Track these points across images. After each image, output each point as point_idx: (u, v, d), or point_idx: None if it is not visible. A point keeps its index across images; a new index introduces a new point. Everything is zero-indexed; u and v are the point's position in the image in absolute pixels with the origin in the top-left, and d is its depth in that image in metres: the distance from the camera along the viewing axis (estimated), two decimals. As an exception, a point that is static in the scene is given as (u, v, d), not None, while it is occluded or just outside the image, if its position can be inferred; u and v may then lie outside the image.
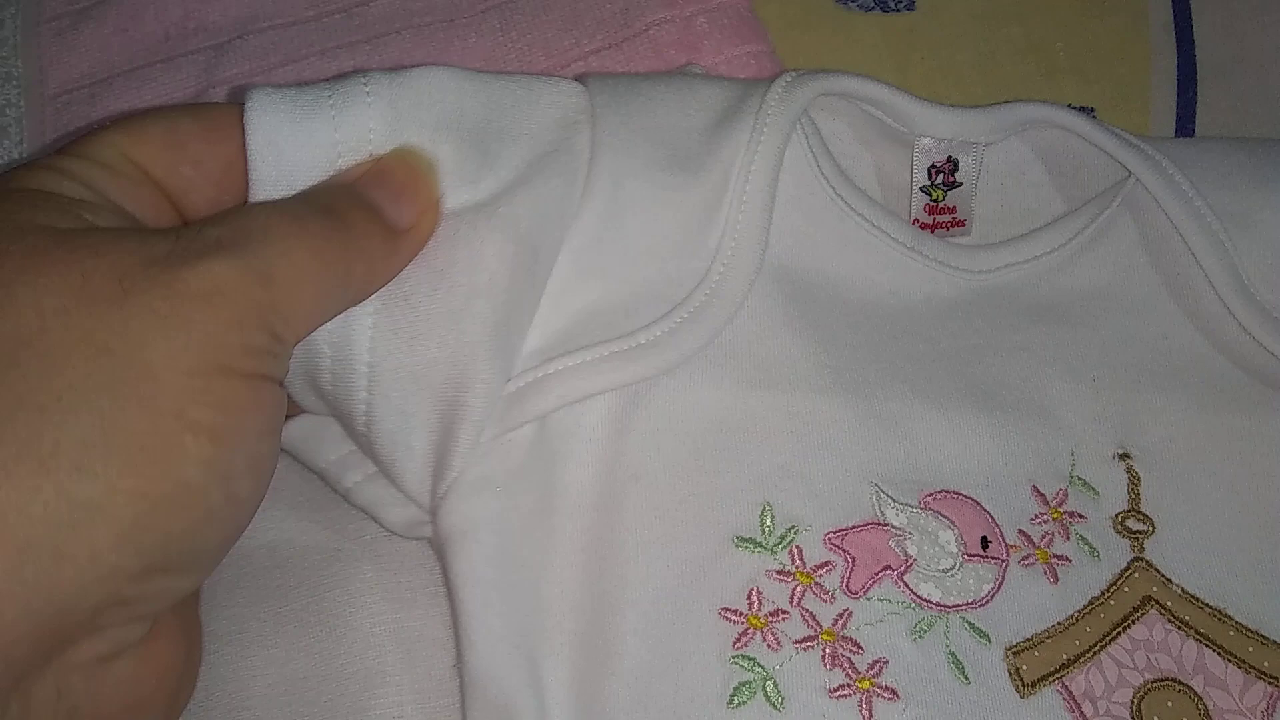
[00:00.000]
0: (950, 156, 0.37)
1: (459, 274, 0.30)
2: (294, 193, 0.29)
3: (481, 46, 0.39)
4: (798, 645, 0.31)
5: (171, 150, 0.28)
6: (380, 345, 0.30)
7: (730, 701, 0.30)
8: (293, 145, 0.29)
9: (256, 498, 0.26)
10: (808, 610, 0.31)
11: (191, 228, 0.26)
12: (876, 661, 0.31)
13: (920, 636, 0.31)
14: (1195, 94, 0.41)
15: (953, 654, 0.31)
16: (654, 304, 0.33)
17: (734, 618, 0.31)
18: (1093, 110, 0.40)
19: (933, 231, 0.38)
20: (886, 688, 0.30)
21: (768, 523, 0.32)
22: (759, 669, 0.30)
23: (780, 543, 0.32)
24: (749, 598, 0.31)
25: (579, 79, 0.35)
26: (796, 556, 0.32)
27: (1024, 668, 0.31)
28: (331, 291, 0.28)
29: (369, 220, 0.29)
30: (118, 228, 0.26)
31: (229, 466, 0.25)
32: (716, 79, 0.37)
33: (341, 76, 0.31)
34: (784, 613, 0.31)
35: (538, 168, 0.32)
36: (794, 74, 0.35)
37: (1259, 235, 0.36)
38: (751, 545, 0.32)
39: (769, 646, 0.30)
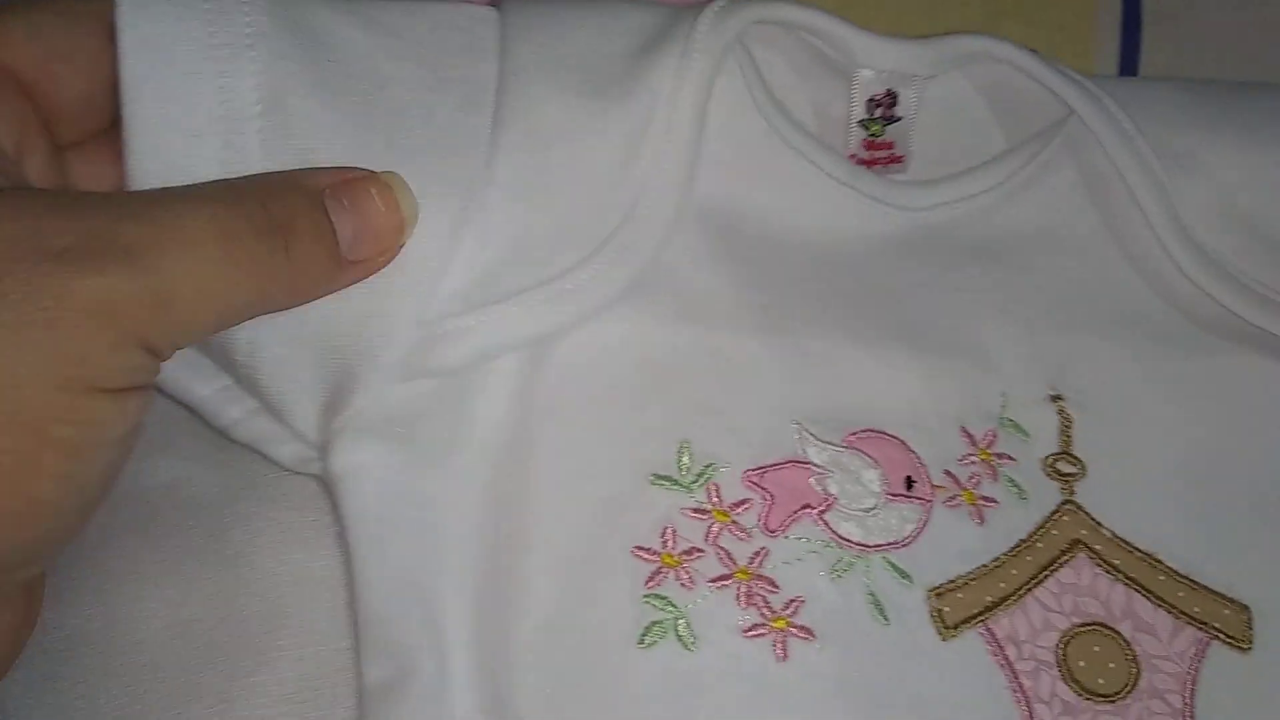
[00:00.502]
0: (890, 89, 0.36)
1: None
2: (169, 90, 0.27)
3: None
4: (712, 584, 0.30)
5: (35, 44, 0.26)
6: None
7: (641, 641, 0.29)
8: (168, 42, 0.27)
9: (110, 487, 0.25)
10: (723, 549, 0.30)
11: (104, 221, 0.24)
12: (793, 601, 0.30)
13: (839, 576, 0.30)
14: (1139, 37, 0.40)
15: (872, 594, 0.30)
16: (578, 241, 0.31)
17: (647, 556, 0.30)
18: (1035, 53, 0.38)
19: (870, 167, 0.37)
20: (802, 627, 0.29)
21: (685, 460, 0.31)
22: (671, 608, 0.29)
23: (697, 480, 0.31)
24: (663, 536, 0.30)
25: (495, 3, 0.33)
26: (714, 494, 0.30)
27: (946, 610, 0.30)
28: (238, 313, 0.26)
29: (317, 242, 0.27)
30: (14, 192, 0.24)
31: (85, 479, 0.24)
32: (645, 4, 0.35)
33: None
34: (699, 551, 0.30)
35: (428, 102, 0.30)
36: (722, 3, 0.34)
37: (1200, 177, 0.35)
38: (668, 483, 0.30)
39: (682, 585, 0.29)
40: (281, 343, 0.29)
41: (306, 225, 0.26)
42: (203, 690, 0.30)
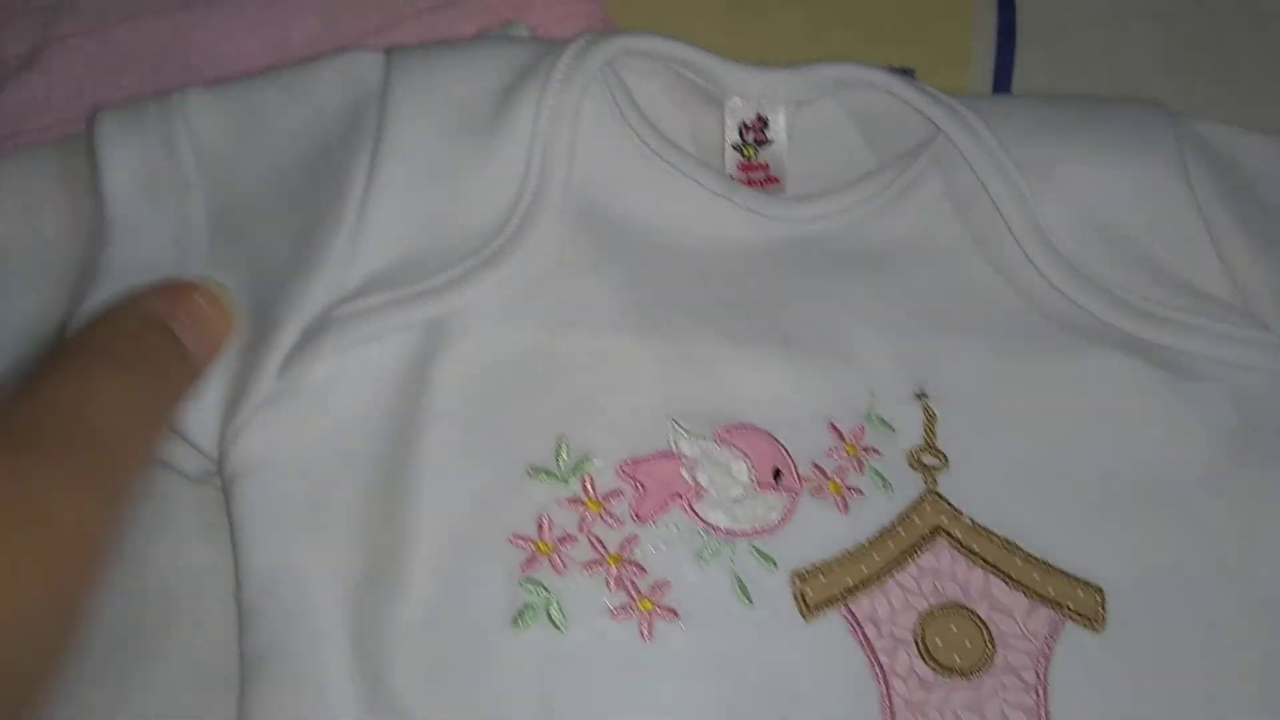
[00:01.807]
0: (760, 115, 0.39)
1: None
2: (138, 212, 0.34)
3: (318, 4, 0.40)
4: (583, 569, 0.31)
5: None
6: None
7: (515, 623, 0.30)
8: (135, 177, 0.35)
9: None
10: (595, 536, 0.32)
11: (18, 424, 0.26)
12: (659, 584, 0.31)
13: (705, 561, 0.32)
14: (1013, 56, 0.43)
15: (737, 577, 0.32)
16: (452, 255, 0.34)
17: (523, 543, 0.31)
18: (913, 72, 0.41)
19: (750, 187, 0.39)
20: (668, 608, 0.31)
21: (562, 454, 0.33)
22: (544, 591, 0.31)
23: (573, 472, 0.32)
24: (539, 524, 0.32)
25: (388, 50, 0.37)
26: (588, 485, 0.32)
27: (809, 592, 0.32)
28: (151, 441, 0.29)
29: (178, 357, 0.30)
30: None
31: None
32: (522, 41, 0.38)
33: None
34: (572, 538, 0.32)
35: (325, 147, 0.35)
36: (592, 35, 0.36)
37: (1059, 186, 0.37)
38: (544, 475, 0.32)
39: (555, 570, 0.31)
40: None
41: (168, 348, 0.30)
42: (102, 680, 0.32)
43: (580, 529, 0.32)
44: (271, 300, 0.33)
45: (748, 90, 0.38)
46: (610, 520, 0.32)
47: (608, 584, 0.31)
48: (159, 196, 0.34)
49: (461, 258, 0.34)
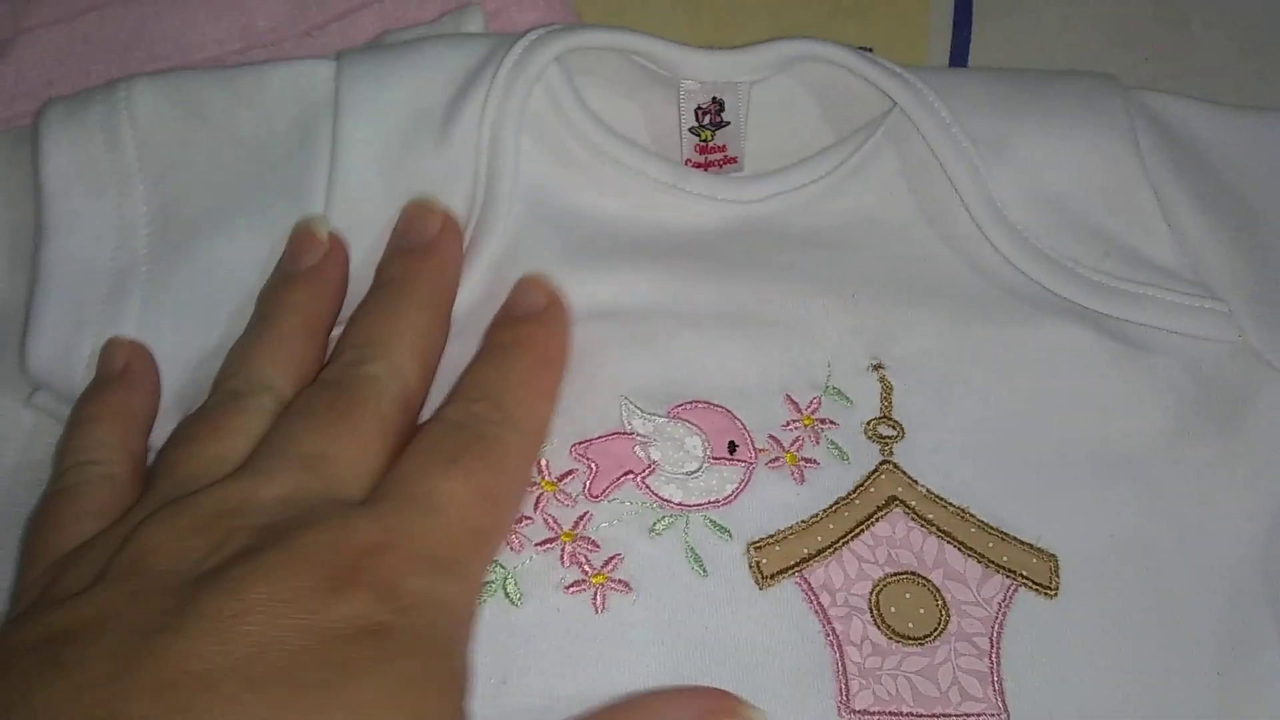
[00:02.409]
0: (715, 97, 0.39)
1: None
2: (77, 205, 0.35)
3: (282, -8, 0.41)
4: (538, 547, 0.32)
5: None
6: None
7: None
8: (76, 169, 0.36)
9: None
10: (550, 515, 0.32)
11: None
12: (612, 558, 0.32)
13: (657, 534, 0.32)
14: (970, 31, 0.43)
15: (691, 549, 0.32)
16: None
17: (480, 525, 0.32)
18: (870, 49, 0.41)
19: (706, 169, 0.39)
20: (620, 581, 0.31)
21: None
22: (500, 569, 0.31)
23: None
24: None
25: (339, 57, 0.37)
26: (543, 467, 0.33)
27: (764, 561, 0.32)
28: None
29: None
30: None
31: None
32: (471, 40, 0.38)
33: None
34: (527, 518, 0.32)
35: (278, 156, 0.36)
36: (539, 32, 0.37)
37: (1012, 160, 0.38)
38: None
39: (511, 549, 0.32)
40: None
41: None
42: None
43: (535, 509, 0.32)
44: (226, 311, 0.34)
45: (702, 73, 0.38)
46: (564, 499, 0.32)
47: (561, 560, 0.32)
48: (100, 188, 0.35)
49: None
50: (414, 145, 0.36)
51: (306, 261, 0.34)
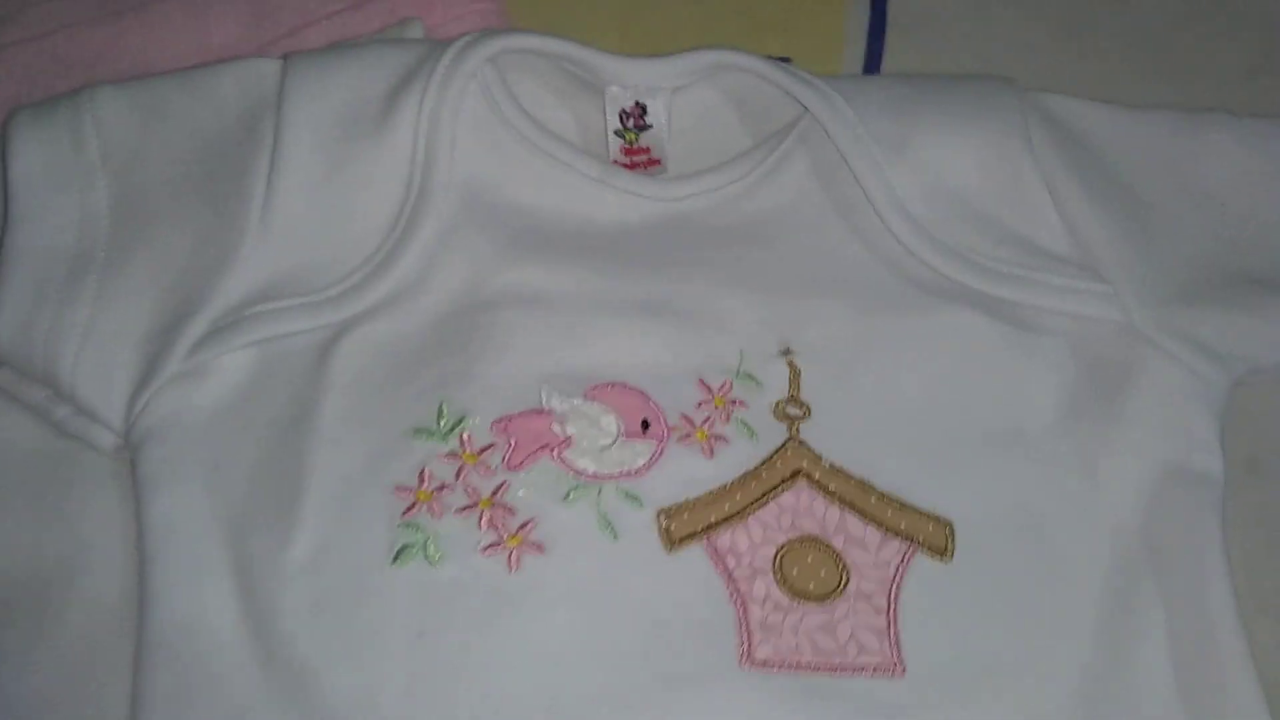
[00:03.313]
0: (638, 101, 0.42)
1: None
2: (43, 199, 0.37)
3: (238, 10, 0.44)
4: (458, 513, 0.34)
5: None
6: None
7: (394, 560, 0.33)
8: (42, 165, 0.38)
9: None
10: (470, 484, 0.34)
11: None
12: (527, 522, 0.34)
13: (571, 501, 0.34)
14: (883, 43, 0.46)
15: (603, 515, 0.34)
16: (349, 258, 0.37)
17: (404, 493, 0.34)
18: (789, 60, 0.44)
19: (632, 170, 0.42)
20: (534, 543, 0.34)
21: (443, 416, 0.35)
22: (420, 532, 0.33)
23: (451, 431, 0.35)
24: (420, 477, 0.34)
25: (285, 56, 0.40)
26: (466, 441, 0.35)
27: (672, 527, 0.35)
28: None
29: None
30: None
31: None
32: (411, 43, 0.41)
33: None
34: (449, 487, 0.34)
35: (226, 152, 0.38)
36: (472, 36, 0.40)
37: (912, 158, 0.40)
38: (426, 434, 0.35)
39: (432, 514, 0.34)
40: (96, 374, 0.35)
41: None
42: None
43: (457, 478, 0.34)
44: (178, 292, 0.36)
45: (626, 79, 0.41)
46: (484, 470, 0.35)
47: (479, 524, 0.34)
48: (64, 183, 0.37)
49: (359, 260, 0.37)
50: (353, 131, 0.38)
51: None
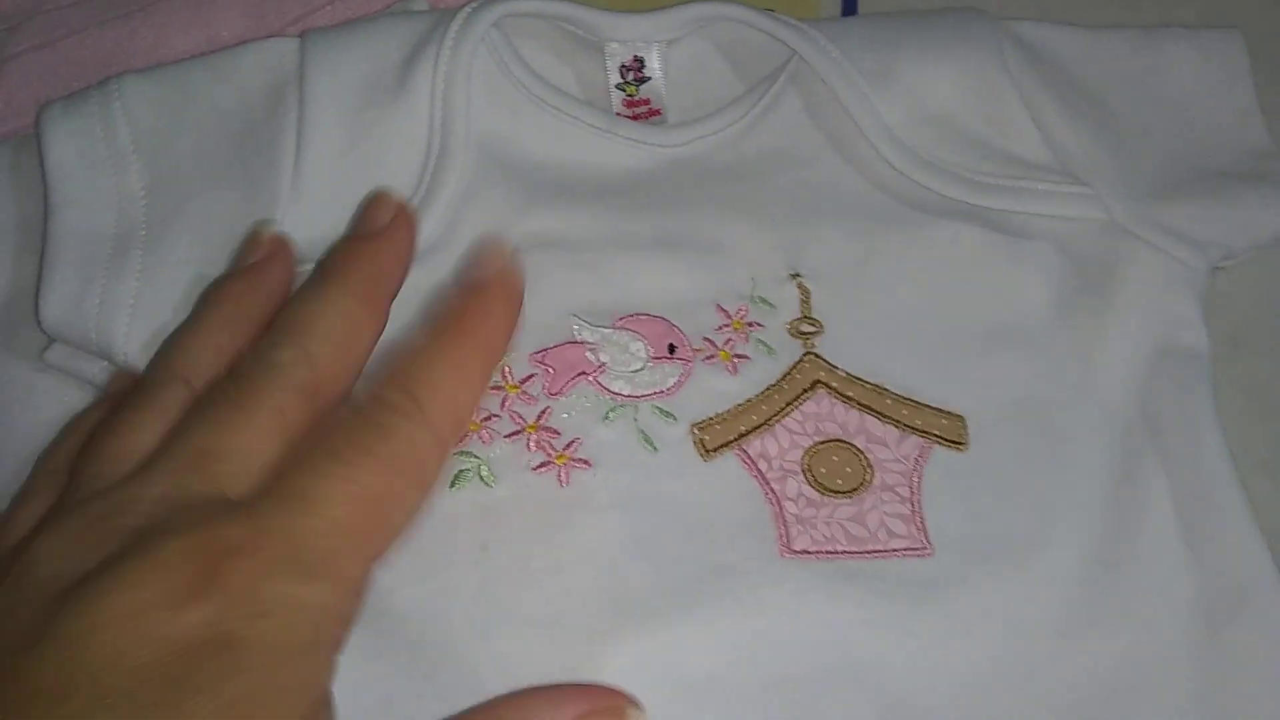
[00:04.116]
0: (636, 55, 0.44)
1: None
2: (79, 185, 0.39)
3: (243, 3, 0.46)
4: (507, 438, 0.36)
5: None
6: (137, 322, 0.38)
7: (452, 485, 0.35)
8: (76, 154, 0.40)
9: None
10: (515, 412, 0.37)
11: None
12: (572, 441, 0.36)
13: (611, 420, 0.37)
14: (859, -12, 0.49)
15: (641, 431, 0.37)
16: None
17: (455, 426, 0.36)
18: (772, 10, 0.46)
19: (635, 121, 0.44)
20: (581, 459, 0.36)
21: None
22: (474, 458, 0.36)
23: None
24: None
25: (302, 34, 0.42)
26: (506, 373, 0.37)
27: (706, 438, 0.37)
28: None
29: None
30: None
31: None
32: (419, 14, 0.44)
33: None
34: (496, 416, 0.37)
35: (254, 126, 0.40)
36: (477, 3, 0.42)
37: (896, 87, 0.43)
38: None
39: (482, 441, 0.36)
40: (151, 327, 0.37)
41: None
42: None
43: (502, 408, 0.37)
44: (219, 263, 0.38)
45: (622, 35, 0.44)
46: (526, 399, 0.37)
47: (528, 447, 0.36)
48: (99, 169, 0.40)
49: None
50: (372, 99, 0.41)
51: (246, 261, 0.35)
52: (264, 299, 0.34)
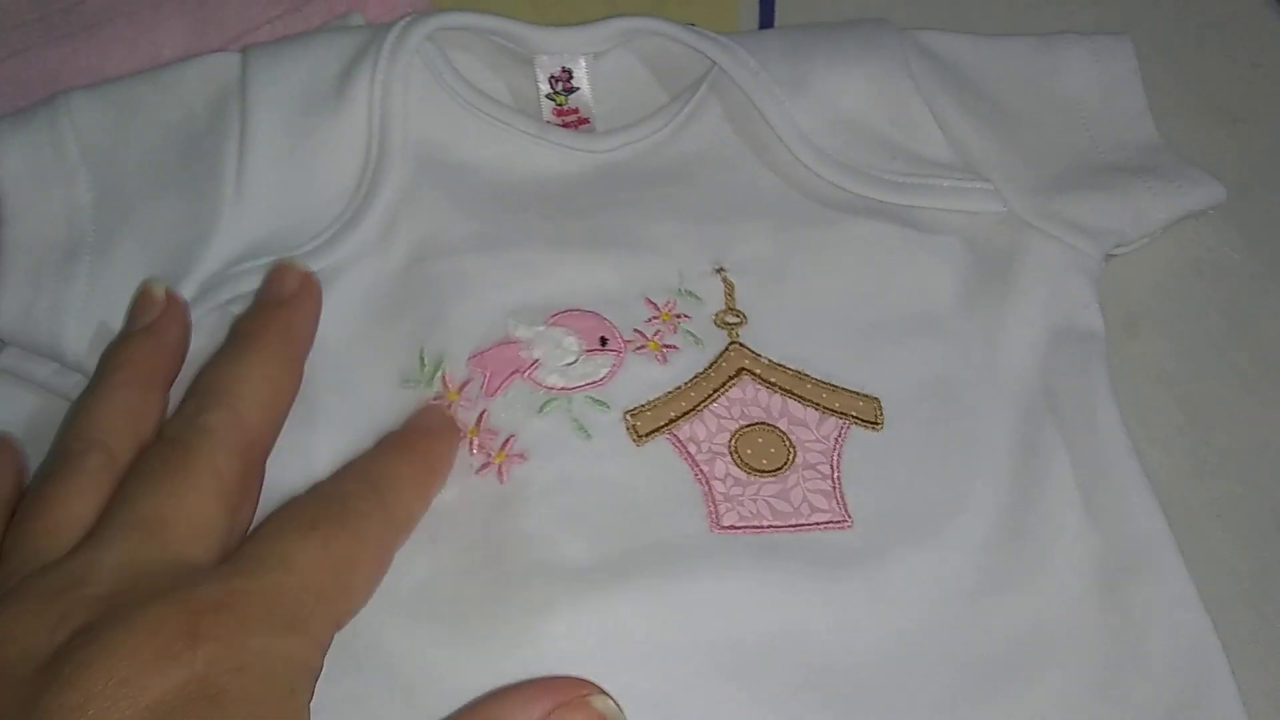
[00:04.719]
0: (564, 67, 0.46)
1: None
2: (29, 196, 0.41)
3: (184, 22, 0.48)
4: None
5: None
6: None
7: None
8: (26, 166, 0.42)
9: None
10: (458, 420, 0.39)
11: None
12: (509, 438, 0.38)
13: (545, 412, 0.39)
14: (773, 7, 0.51)
15: (575, 420, 0.39)
16: (319, 219, 0.42)
17: (402, 438, 0.38)
18: (692, 24, 0.49)
19: (564, 128, 0.47)
20: (517, 455, 0.38)
21: (424, 363, 0.39)
22: None
23: (434, 375, 0.39)
24: None
25: (244, 49, 0.44)
26: (447, 381, 0.39)
27: (639, 424, 0.39)
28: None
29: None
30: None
31: None
32: (357, 28, 0.46)
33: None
34: None
35: (196, 137, 0.42)
36: (412, 16, 0.44)
37: (810, 94, 0.46)
38: (413, 383, 0.39)
39: None
40: (100, 327, 0.39)
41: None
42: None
43: (447, 418, 0.39)
44: (165, 265, 0.40)
45: (551, 48, 0.46)
46: (467, 403, 0.39)
47: (471, 451, 0.38)
48: (48, 182, 0.41)
49: (328, 220, 0.42)
50: (312, 107, 0.42)
51: (143, 320, 0.36)
52: (166, 358, 0.36)
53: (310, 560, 0.29)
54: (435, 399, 0.39)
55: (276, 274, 0.38)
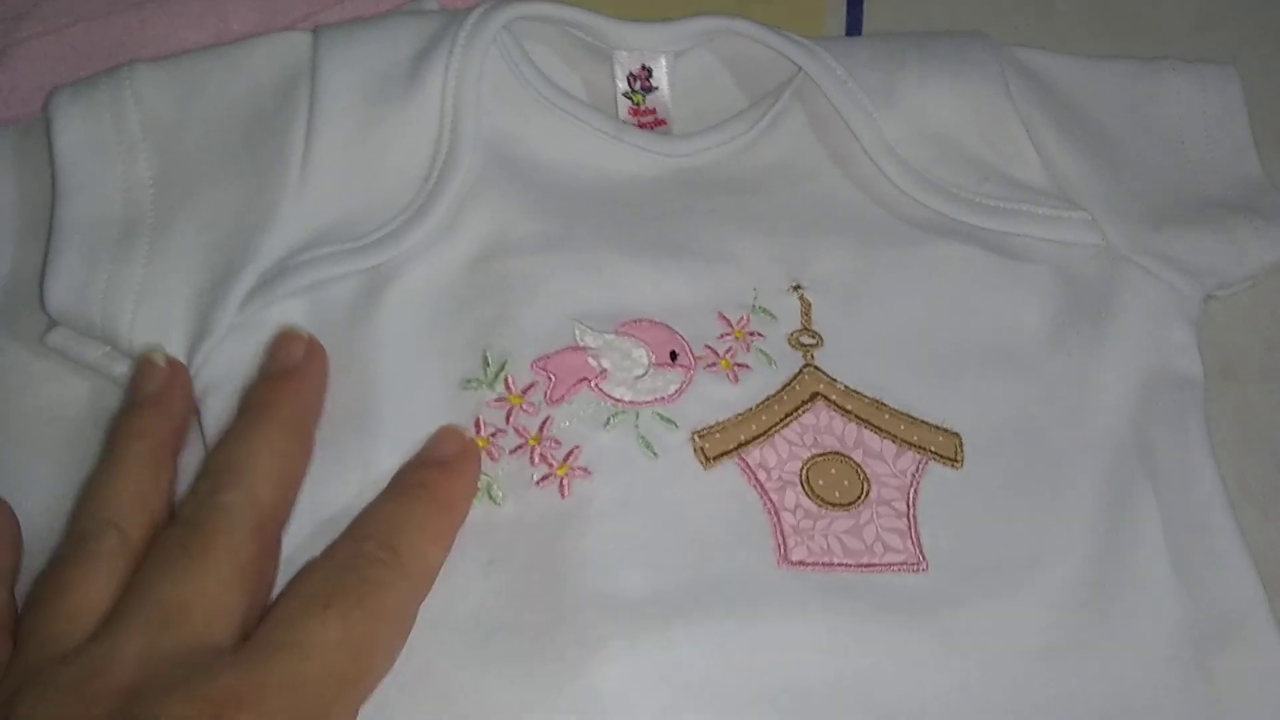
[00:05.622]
0: (644, 65, 0.44)
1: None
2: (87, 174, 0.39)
3: (255, -1, 0.46)
4: (512, 453, 0.36)
5: None
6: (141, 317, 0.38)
7: None
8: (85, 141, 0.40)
9: None
10: (519, 424, 0.37)
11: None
12: (572, 450, 0.36)
13: (611, 426, 0.37)
14: (862, 10, 0.49)
15: (642, 437, 0.37)
16: (385, 209, 0.40)
17: (465, 444, 0.36)
18: (773, 27, 0.47)
19: (641, 129, 0.45)
20: (580, 469, 0.36)
21: (488, 364, 0.38)
22: (483, 476, 0.36)
23: (496, 377, 0.37)
24: (475, 426, 0.37)
25: (315, 29, 0.42)
26: (509, 383, 0.37)
27: (707, 446, 0.37)
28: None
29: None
30: None
31: None
32: (431, 13, 0.44)
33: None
34: (501, 431, 0.37)
35: (264, 115, 0.40)
36: (489, 4, 0.42)
37: (899, 106, 0.44)
38: (475, 384, 0.37)
39: (490, 458, 0.36)
40: (152, 333, 0.37)
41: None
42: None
43: (507, 421, 0.37)
44: (226, 251, 0.38)
45: (631, 44, 0.44)
46: (529, 409, 0.37)
47: (531, 460, 0.36)
48: (108, 156, 0.39)
49: (394, 211, 0.40)
50: (384, 94, 0.41)
51: (148, 389, 0.36)
52: (173, 430, 0.36)
53: (328, 644, 0.29)
54: (497, 401, 0.37)
55: (281, 342, 0.37)
